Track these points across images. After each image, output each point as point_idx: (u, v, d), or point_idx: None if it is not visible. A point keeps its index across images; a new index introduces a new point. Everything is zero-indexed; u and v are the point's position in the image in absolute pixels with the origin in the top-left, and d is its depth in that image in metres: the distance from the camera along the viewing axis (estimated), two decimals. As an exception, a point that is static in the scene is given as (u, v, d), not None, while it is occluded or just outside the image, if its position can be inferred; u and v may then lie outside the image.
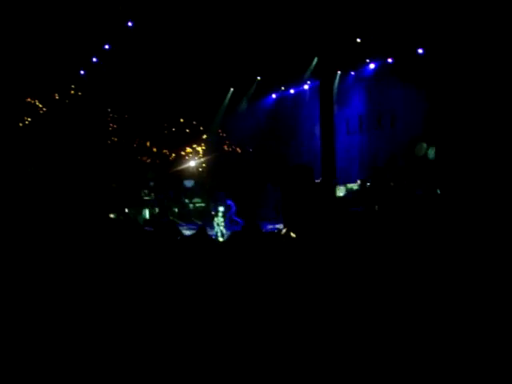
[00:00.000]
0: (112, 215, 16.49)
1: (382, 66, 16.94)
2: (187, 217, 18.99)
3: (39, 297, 4.71)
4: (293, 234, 7.67)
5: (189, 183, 20.54)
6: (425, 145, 14.20)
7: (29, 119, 17.89)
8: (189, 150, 22.47)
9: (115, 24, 16.93)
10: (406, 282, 4.93)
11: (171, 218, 18.37)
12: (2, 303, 4.54)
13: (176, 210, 19.56)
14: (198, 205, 19.72)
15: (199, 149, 22.62)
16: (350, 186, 16.48)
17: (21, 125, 17.85)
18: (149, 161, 21.61)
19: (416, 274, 5.14)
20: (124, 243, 5.56)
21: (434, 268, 5.33)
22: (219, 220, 14.93)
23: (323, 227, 8.03)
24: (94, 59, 18.91)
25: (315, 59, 18.08)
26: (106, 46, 18.43)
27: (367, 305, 4.44)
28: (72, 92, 19.44)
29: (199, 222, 17.58)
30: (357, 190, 16.15)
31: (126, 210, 17.05)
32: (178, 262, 4.70)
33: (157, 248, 5.18)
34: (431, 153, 14.00)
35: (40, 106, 18.38)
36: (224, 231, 14.73)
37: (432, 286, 4.81)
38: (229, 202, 16.08)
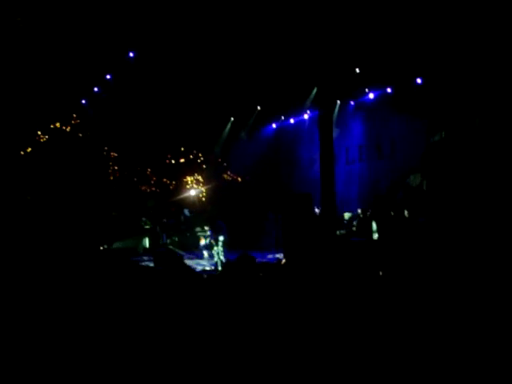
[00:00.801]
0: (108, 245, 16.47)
1: (381, 96, 17.03)
2: (187, 245, 18.90)
3: (33, 316, 4.67)
4: (290, 264, 7.61)
5: (188, 212, 20.50)
6: (419, 175, 14.25)
7: (29, 148, 17.97)
8: (189, 178, 22.51)
9: (117, 55, 17.12)
10: (406, 312, 4.88)
11: (170, 246, 18.30)
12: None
13: (176, 238, 19.50)
14: (197, 234, 19.63)
15: (199, 178, 22.66)
16: (346, 215, 16.54)
17: (22, 153, 17.91)
18: (149, 190, 21.63)
19: (417, 304, 5.09)
20: (111, 276, 5.54)
21: (434, 296, 5.28)
22: (219, 249, 14.86)
23: (322, 257, 7.97)
24: (96, 89, 19.08)
25: (315, 89, 18.22)
26: (108, 76, 18.61)
27: (364, 335, 4.39)
28: (73, 121, 19.55)
29: (198, 251, 17.52)
30: (349, 219, 16.22)
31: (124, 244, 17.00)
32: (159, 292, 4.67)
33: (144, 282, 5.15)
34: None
35: (41, 134, 18.47)
36: (223, 260, 14.65)
37: (431, 312, 4.76)
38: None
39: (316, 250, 9.55)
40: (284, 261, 9.05)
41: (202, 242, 15.17)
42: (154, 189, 21.74)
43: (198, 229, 19.52)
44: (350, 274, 6.30)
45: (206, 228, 18.28)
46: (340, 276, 6.07)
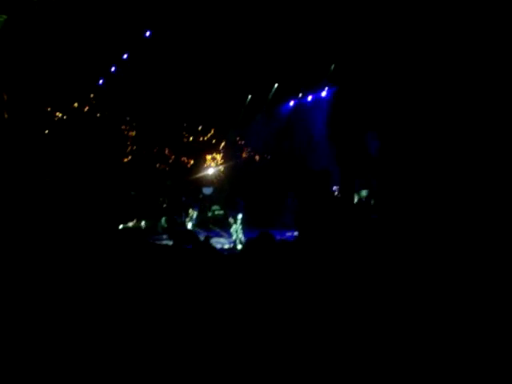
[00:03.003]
0: (131, 224, 16.61)
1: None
2: (206, 224, 18.97)
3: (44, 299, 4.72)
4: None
5: (207, 190, 20.54)
6: None
7: (47, 129, 18.06)
8: (207, 157, 22.52)
9: (133, 33, 17.05)
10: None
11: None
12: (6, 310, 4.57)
13: (194, 217, 19.58)
14: (216, 212, 19.68)
15: (217, 156, 22.66)
16: (362, 193, 16.49)
17: (40, 134, 18.01)
18: (167, 168, 21.68)
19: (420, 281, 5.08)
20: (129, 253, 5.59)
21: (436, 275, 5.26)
22: (237, 227, 14.93)
23: (339, 234, 7.96)
24: (113, 68, 19.06)
25: (332, 65, 18.01)
26: (125, 55, 18.57)
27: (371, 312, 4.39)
28: (92, 101, 19.61)
29: (217, 230, 17.61)
30: (368, 195, 16.17)
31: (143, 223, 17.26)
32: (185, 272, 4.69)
33: (165, 259, 5.18)
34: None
35: (59, 114, 18.55)
36: (242, 238, 14.71)
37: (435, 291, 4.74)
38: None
39: (333, 227, 9.51)
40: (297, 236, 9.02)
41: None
42: (171, 168, 21.79)
43: (215, 207, 19.59)
44: (370, 250, 6.28)
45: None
46: (360, 252, 6.05)
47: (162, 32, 16.96)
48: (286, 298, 4.31)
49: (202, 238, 13.79)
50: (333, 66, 17.97)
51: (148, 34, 17.35)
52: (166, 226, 17.90)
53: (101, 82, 19.57)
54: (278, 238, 6.52)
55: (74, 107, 19.03)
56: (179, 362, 3.83)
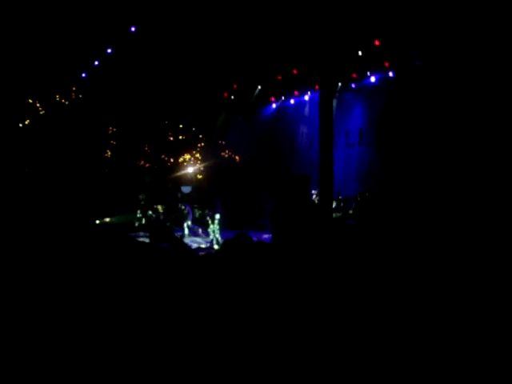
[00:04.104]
0: (108, 219, 16.51)
1: (382, 80, 16.93)
2: (182, 223, 18.93)
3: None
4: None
5: (186, 189, 20.50)
6: None
7: (28, 120, 17.91)
8: (187, 156, 22.49)
9: (118, 28, 16.99)
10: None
11: (167, 223, 18.36)
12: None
13: (172, 215, 19.54)
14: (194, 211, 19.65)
15: (197, 155, 22.64)
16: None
17: (20, 125, 17.86)
18: (147, 165, 21.62)
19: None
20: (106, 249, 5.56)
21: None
22: (215, 227, 14.92)
23: (315, 239, 8.00)
24: (96, 62, 18.95)
25: (316, 70, 18.11)
26: (109, 50, 18.47)
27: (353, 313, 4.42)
28: (73, 94, 19.48)
29: (195, 229, 17.59)
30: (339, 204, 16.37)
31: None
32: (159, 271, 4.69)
33: (139, 257, 5.17)
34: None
35: (40, 107, 18.41)
36: (219, 239, 14.71)
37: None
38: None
39: (309, 231, 9.53)
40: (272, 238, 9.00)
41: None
42: (151, 165, 21.74)
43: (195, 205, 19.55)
44: (343, 256, 6.33)
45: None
46: (332, 258, 6.09)
47: (147, 29, 16.93)
48: (262, 298, 4.33)
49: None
50: (316, 71, 18.07)
51: (133, 29, 17.30)
52: (143, 222, 17.87)
53: (84, 75, 19.46)
54: (255, 239, 6.54)
55: (56, 100, 18.89)
56: (151, 367, 3.84)
